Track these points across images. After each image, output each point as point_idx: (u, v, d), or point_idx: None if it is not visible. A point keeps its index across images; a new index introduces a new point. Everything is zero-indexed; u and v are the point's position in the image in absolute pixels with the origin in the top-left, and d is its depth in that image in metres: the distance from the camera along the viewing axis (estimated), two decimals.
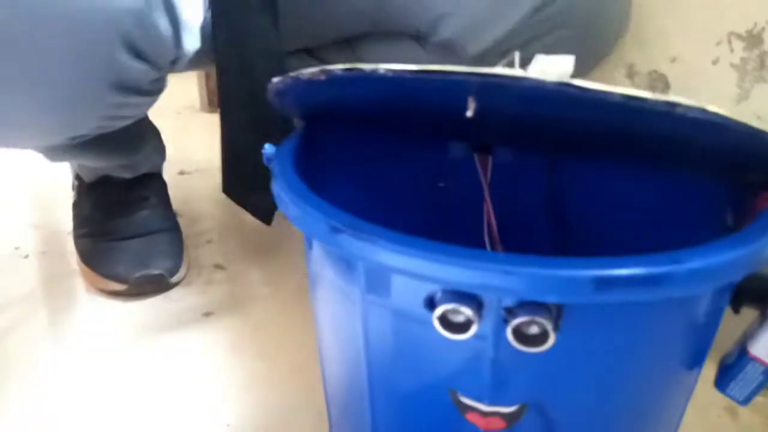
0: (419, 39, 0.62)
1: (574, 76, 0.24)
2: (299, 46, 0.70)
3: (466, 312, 0.25)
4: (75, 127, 0.46)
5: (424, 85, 0.26)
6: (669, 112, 0.23)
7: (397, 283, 0.28)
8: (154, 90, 0.48)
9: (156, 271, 0.63)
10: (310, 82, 0.28)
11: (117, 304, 0.63)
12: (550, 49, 0.42)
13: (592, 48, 0.58)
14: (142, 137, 0.70)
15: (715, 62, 0.57)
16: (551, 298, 0.24)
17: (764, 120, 0.53)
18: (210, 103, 1.22)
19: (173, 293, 0.65)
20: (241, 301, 0.64)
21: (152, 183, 0.72)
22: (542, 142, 0.43)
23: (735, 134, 0.24)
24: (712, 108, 0.23)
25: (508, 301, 0.25)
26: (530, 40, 0.55)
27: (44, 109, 0.42)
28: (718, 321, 0.30)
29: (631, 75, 0.67)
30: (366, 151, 0.46)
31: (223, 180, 0.56)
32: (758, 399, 0.53)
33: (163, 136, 0.76)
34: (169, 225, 0.70)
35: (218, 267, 0.70)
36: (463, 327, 0.26)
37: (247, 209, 0.57)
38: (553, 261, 0.23)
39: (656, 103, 0.22)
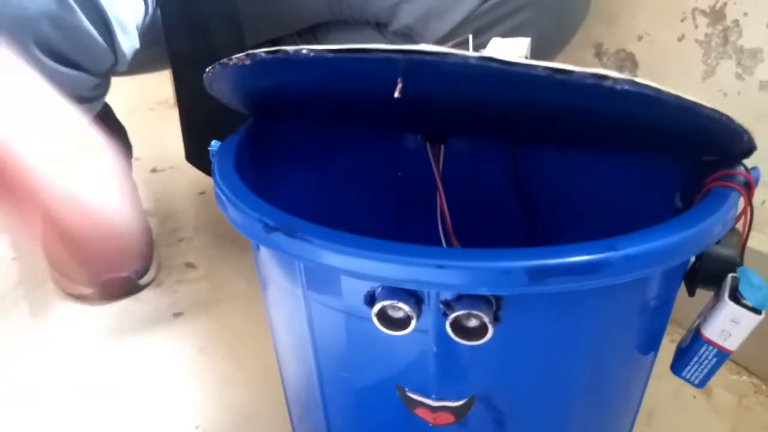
0: (379, 27, 0.62)
1: (538, 59, 0.23)
2: (264, 38, 0.68)
3: (405, 308, 0.25)
4: None
5: (350, 66, 0.25)
6: (598, 85, 0.22)
7: (337, 280, 0.27)
8: (94, 96, 0.45)
9: (124, 274, 0.62)
10: (237, 68, 0.27)
11: (87, 308, 0.62)
12: (512, 35, 0.41)
13: (555, 32, 0.56)
14: (108, 137, 0.68)
15: (680, 39, 0.56)
16: (485, 291, 0.23)
17: (730, 96, 0.53)
18: None
19: (143, 294, 0.64)
20: (211, 300, 0.63)
21: None
22: (501, 131, 0.42)
23: (670, 107, 0.23)
24: (641, 80, 0.22)
25: (447, 295, 0.25)
26: (490, 25, 0.54)
27: None
28: (670, 304, 0.30)
29: (599, 54, 0.66)
30: (324, 145, 0.45)
31: (185, 148, 0.53)
32: (732, 377, 0.53)
33: (136, 133, 0.74)
34: (138, 226, 0.68)
35: (190, 266, 0.69)
36: (402, 323, 0.25)
37: (210, 175, 0.55)
38: (485, 253, 0.23)
39: (582, 75, 0.22)
